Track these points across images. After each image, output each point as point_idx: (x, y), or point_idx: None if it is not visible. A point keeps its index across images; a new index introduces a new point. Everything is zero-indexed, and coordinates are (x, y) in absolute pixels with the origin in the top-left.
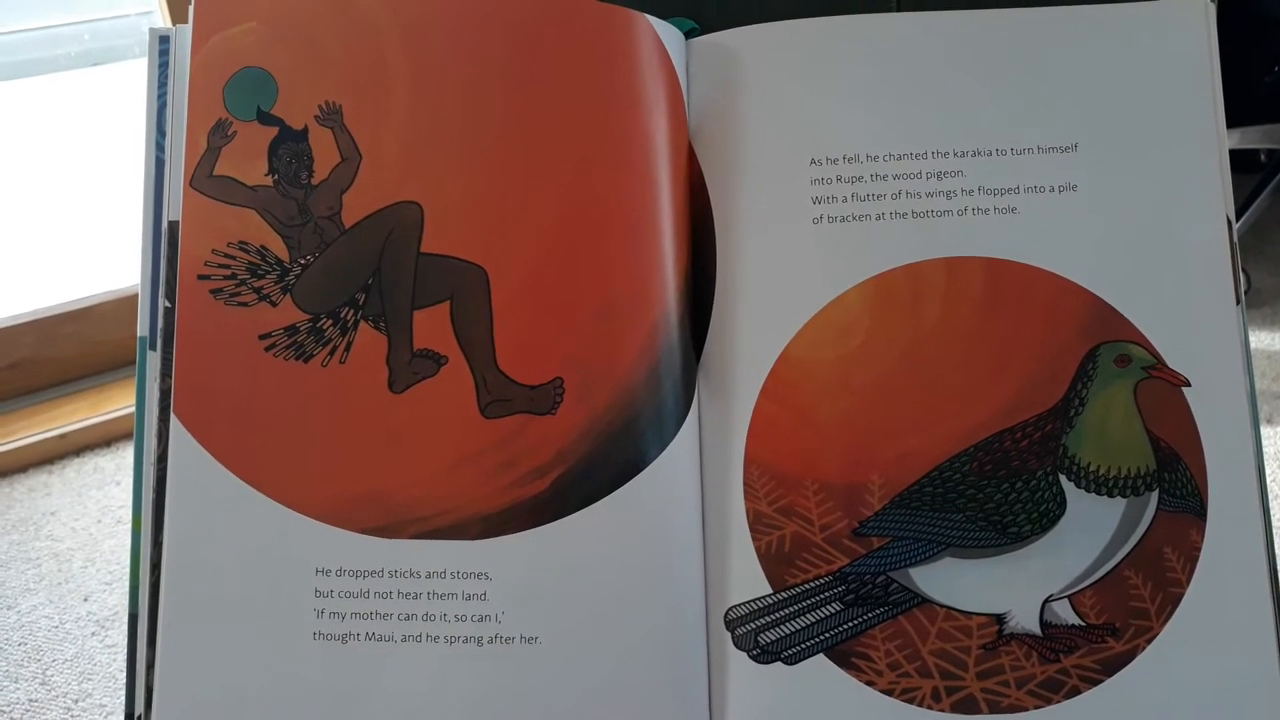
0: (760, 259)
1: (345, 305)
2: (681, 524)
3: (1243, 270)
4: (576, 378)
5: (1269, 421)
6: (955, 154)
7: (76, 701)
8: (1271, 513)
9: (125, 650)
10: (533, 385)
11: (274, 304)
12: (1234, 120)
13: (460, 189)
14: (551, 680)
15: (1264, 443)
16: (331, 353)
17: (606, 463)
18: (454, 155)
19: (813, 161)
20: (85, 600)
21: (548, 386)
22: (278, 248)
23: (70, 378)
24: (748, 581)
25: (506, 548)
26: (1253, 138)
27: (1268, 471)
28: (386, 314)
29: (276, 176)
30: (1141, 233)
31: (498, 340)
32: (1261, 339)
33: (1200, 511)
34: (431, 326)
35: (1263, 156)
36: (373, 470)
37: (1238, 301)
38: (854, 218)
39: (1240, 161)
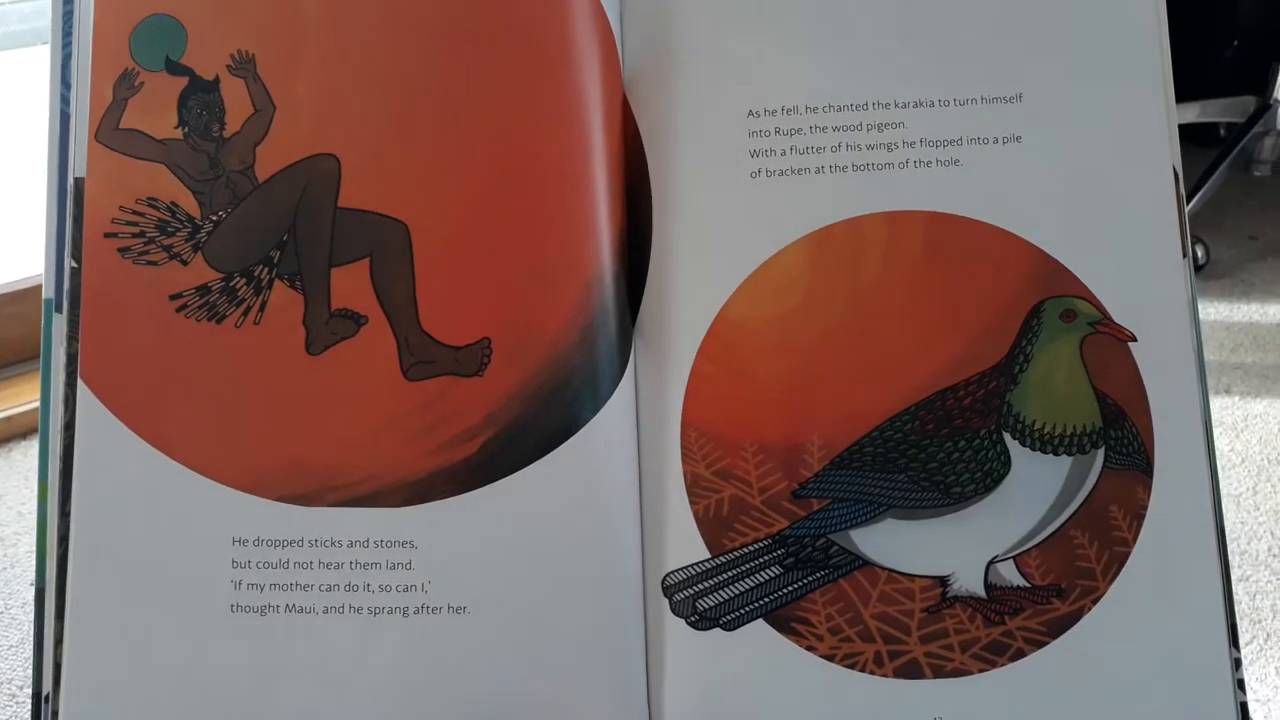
0: (697, 215)
1: (259, 263)
2: (617, 488)
3: (1201, 242)
4: (505, 338)
5: (1227, 392)
6: (896, 105)
7: (21, 688)
8: (1220, 480)
9: None
10: (458, 346)
11: (185, 263)
12: (1194, 94)
13: (379, 140)
14: (481, 651)
15: (1220, 413)
16: (245, 313)
17: (537, 426)
18: (372, 105)
19: (750, 114)
20: (30, 586)
21: (474, 347)
22: (188, 204)
23: (13, 360)
24: (685, 546)
25: (432, 515)
26: (1212, 111)
27: (1223, 442)
28: (303, 272)
29: (186, 129)
30: (1087, 185)
31: (420, 299)
32: (1220, 310)
33: (1147, 469)
34: (350, 285)
35: (1222, 130)
36: (290, 436)
37: (1184, 254)
38: (792, 171)
39: (1200, 135)
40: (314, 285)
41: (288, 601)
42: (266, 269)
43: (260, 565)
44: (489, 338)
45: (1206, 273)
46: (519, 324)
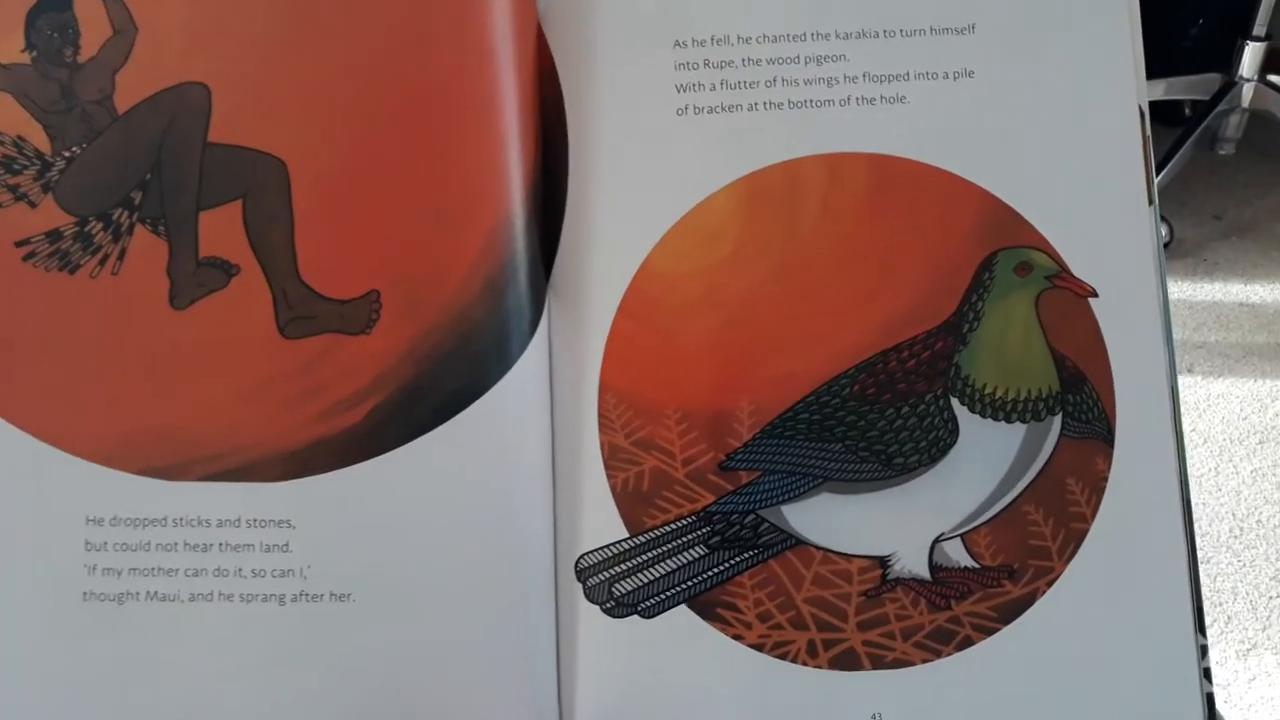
0: (618, 156)
1: (118, 206)
2: (526, 461)
3: (1166, 221)
4: (396, 290)
5: (1190, 371)
6: (837, 36)
7: None
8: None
9: None
10: (343, 299)
11: (33, 204)
12: (1159, 72)
13: (255, 68)
14: (368, 644)
15: (1182, 393)
16: (102, 262)
17: (434, 390)
18: (248, 28)
19: (677, 44)
20: None
21: (361, 301)
22: (37, 138)
23: None
24: (601, 525)
25: (313, 490)
26: (1178, 89)
27: (1185, 423)
28: (167, 216)
29: (35, 53)
30: (1045, 125)
31: (300, 246)
32: (1184, 289)
33: (1108, 437)
34: (221, 230)
35: (1187, 109)
36: (152, 400)
37: (1150, 202)
38: (723, 108)
39: (1165, 113)
40: (180, 230)
41: (149, 588)
42: (126, 212)
43: (118, 547)
44: (378, 290)
45: (1171, 252)
46: (413, 275)
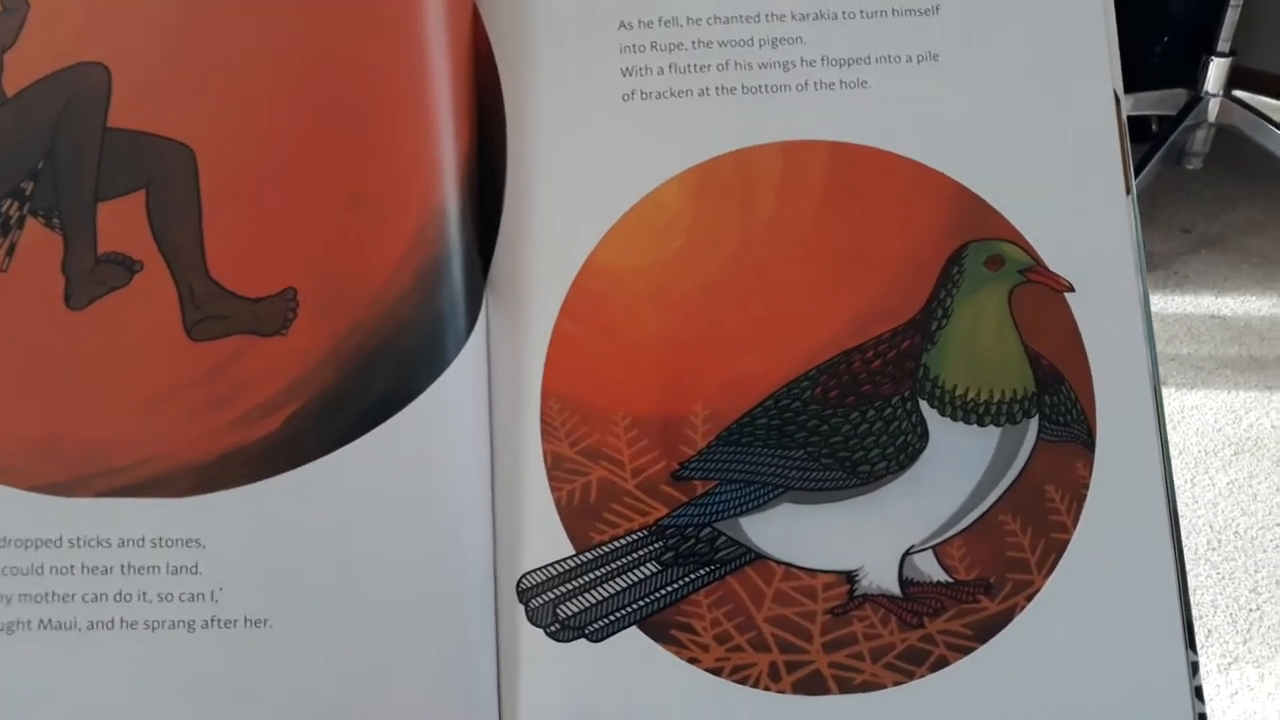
0: (559, 144)
1: (8, 197)
2: (461, 472)
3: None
4: (315, 287)
5: (1163, 383)
6: (794, 17)
7: None
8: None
9: None
10: (256, 297)
11: None
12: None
13: (159, 47)
14: (288, 676)
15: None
16: None
17: (359, 395)
18: (152, 4)
19: (622, 25)
20: None
21: (276, 299)
22: None
23: None
24: (545, 541)
25: (224, 506)
26: (1145, 104)
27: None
28: (62, 208)
29: None
30: (1015, 111)
31: (208, 240)
32: (1155, 302)
33: (1088, 441)
34: (122, 223)
35: (1153, 124)
36: (46, 409)
37: (1128, 191)
38: (672, 93)
39: (1133, 129)
40: (76, 224)
41: (43, 616)
42: (17, 204)
43: (7, 571)
44: (294, 288)
45: None
46: (334, 270)
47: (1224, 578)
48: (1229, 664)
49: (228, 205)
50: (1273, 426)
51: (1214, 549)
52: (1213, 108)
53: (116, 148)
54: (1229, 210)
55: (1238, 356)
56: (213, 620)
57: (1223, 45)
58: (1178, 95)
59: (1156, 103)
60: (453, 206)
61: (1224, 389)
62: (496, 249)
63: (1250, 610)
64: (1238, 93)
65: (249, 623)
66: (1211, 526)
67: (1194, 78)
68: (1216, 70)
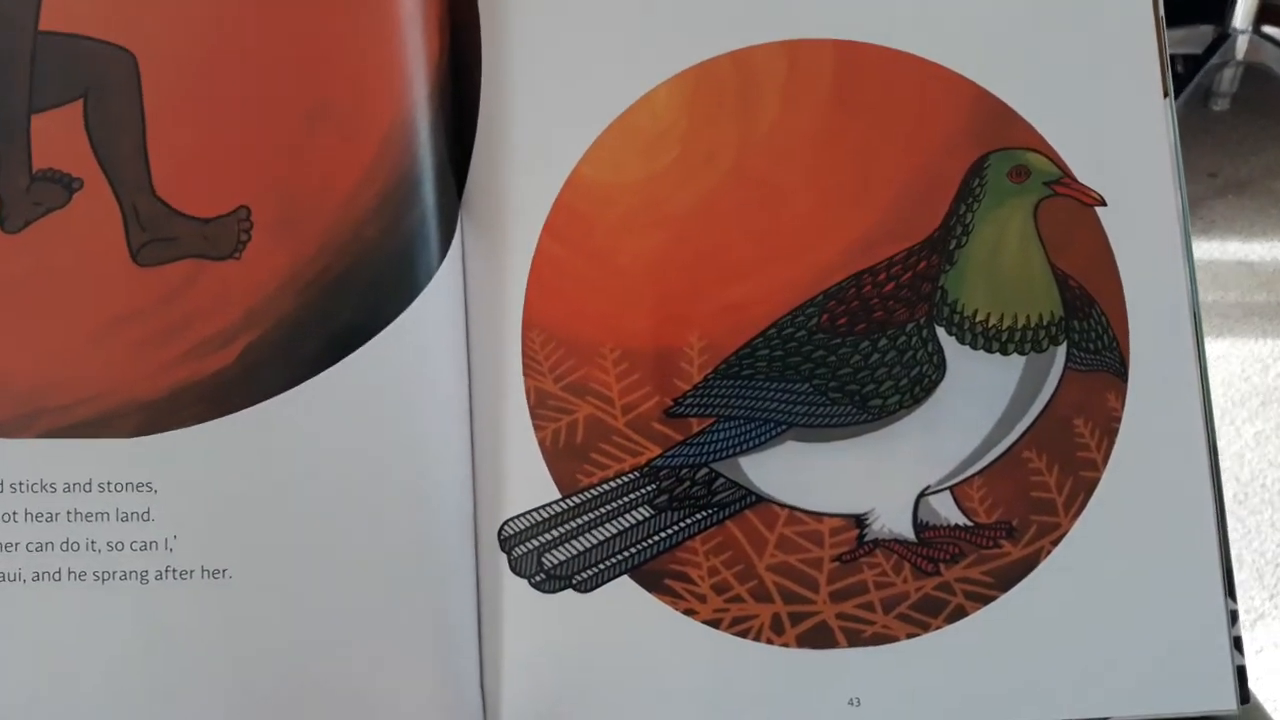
0: (539, 46)
1: None
2: (436, 411)
3: None
4: (270, 206)
5: None
6: None
7: None
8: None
9: None
10: (206, 218)
11: None
12: None
13: None
14: (249, 629)
15: None
16: None
17: (321, 325)
18: None
19: None
20: None
21: (228, 219)
22: None
23: None
24: (528, 485)
25: (177, 447)
26: (1169, 42)
27: None
28: None
29: None
30: (1041, 7)
31: (153, 155)
32: None
33: (1120, 370)
34: (58, 136)
35: (1179, 66)
36: None
37: (1165, 94)
38: None
39: None
40: (8, 138)
41: None
42: None
43: None
44: (247, 206)
45: None
46: (291, 188)
47: (1250, 531)
48: (1255, 620)
49: (174, 116)
50: None
51: (1240, 502)
52: (1241, 45)
53: (50, 53)
54: (1257, 153)
55: (1265, 303)
56: (167, 571)
57: None
58: (1204, 33)
59: (1181, 40)
60: (422, 118)
61: (1251, 337)
62: (471, 165)
63: (1278, 565)
64: (1267, 28)
65: (206, 573)
66: (1238, 479)
67: (1221, 13)
68: (1244, 5)
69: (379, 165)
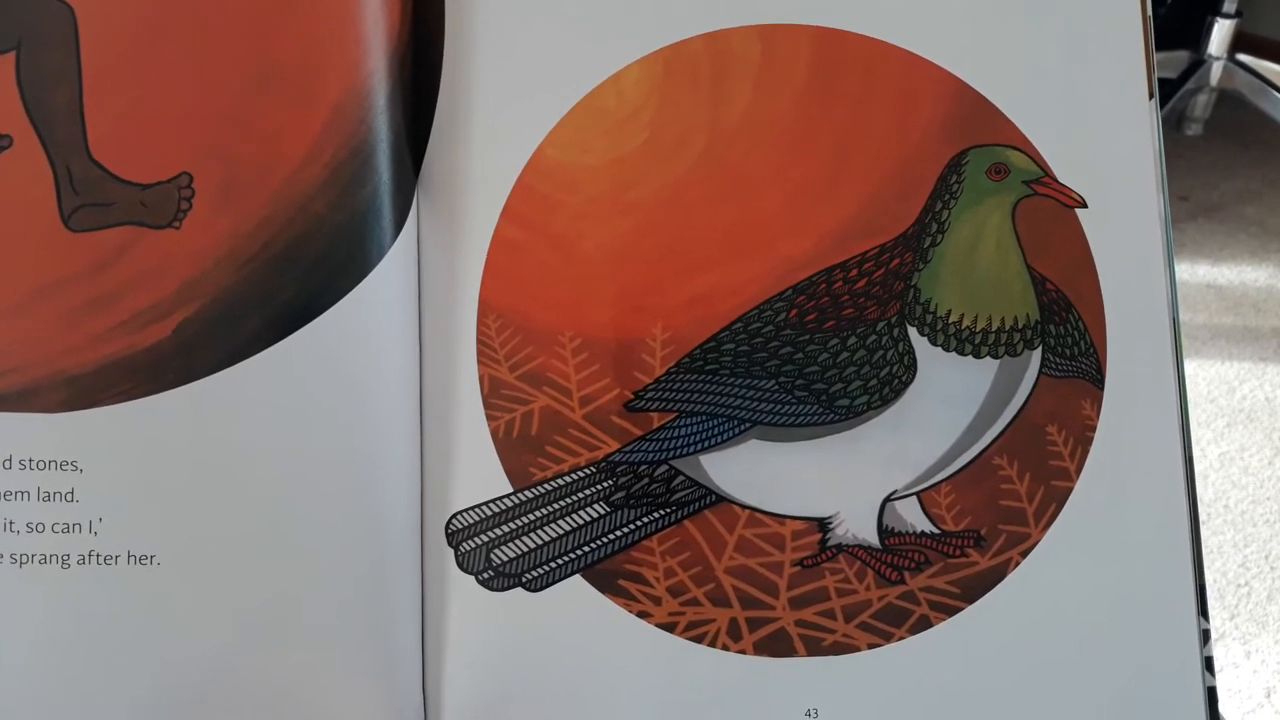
0: (505, 19)
1: None
2: (383, 396)
3: None
4: (213, 173)
5: None
6: None
7: None
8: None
9: None
10: (144, 184)
11: None
12: None
13: None
14: (177, 619)
15: None
16: None
17: (263, 302)
18: None
19: None
20: None
21: (168, 185)
22: None
23: None
24: (479, 477)
25: (106, 424)
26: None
27: None
28: None
29: None
30: (1028, 1)
31: (90, 114)
32: None
33: (1096, 377)
34: None
35: None
36: None
37: (1150, 95)
38: None
39: None
40: None
41: None
42: None
43: None
44: (189, 173)
45: None
46: (235, 155)
47: (1212, 552)
48: (1216, 639)
49: (113, 74)
50: (1266, 399)
51: (1203, 523)
52: (1215, 71)
53: None
54: (1228, 179)
55: (1232, 326)
56: (90, 555)
57: (1227, 7)
58: (1180, 58)
59: (1158, 65)
60: (379, 87)
61: (1218, 359)
62: (430, 140)
63: (1238, 585)
64: (1241, 56)
65: (133, 559)
66: (1202, 499)
67: (1197, 39)
68: (1221, 32)
69: (330, 135)
